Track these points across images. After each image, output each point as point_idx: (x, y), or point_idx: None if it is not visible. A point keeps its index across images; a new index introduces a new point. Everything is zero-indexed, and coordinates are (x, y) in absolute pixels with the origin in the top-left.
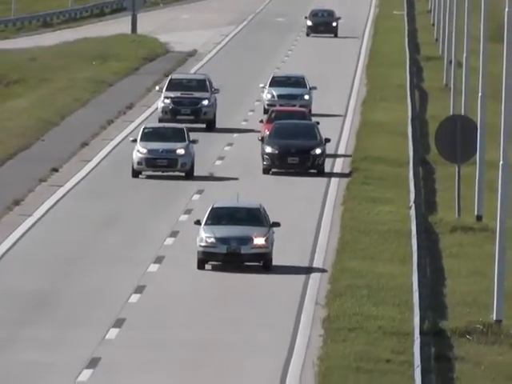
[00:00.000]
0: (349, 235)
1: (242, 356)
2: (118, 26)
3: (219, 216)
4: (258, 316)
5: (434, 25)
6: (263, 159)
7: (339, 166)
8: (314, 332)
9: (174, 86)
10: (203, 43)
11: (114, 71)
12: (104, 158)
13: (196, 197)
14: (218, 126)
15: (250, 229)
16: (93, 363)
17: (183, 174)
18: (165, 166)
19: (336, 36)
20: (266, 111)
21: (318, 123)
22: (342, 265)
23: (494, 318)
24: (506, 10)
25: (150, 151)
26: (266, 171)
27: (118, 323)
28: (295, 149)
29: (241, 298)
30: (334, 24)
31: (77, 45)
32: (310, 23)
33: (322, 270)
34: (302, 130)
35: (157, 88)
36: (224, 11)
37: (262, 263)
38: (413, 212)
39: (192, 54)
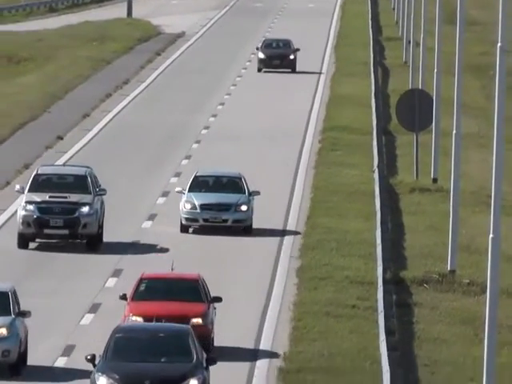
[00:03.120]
0: (320, 195)
1: (226, 301)
2: (115, 10)
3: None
4: (241, 266)
5: (394, 9)
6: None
7: (311, 133)
8: (289, 281)
9: (40, 184)
10: (191, 25)
11: (111, 51)
12: (103, 127)
13: (184, 162)
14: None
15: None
16: (94, 307)
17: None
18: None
19: (294, 71)
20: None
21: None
22: (314, 221)
23: (449, 269)
24: None
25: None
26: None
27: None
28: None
29: (226, 253)
30: (292, 57)
31: (79, 27)
32: (262, 56)
33: (296, 227)
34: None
35: (17, 187)
36: None
37: None
38: (376, 175)
39: (181, 35)
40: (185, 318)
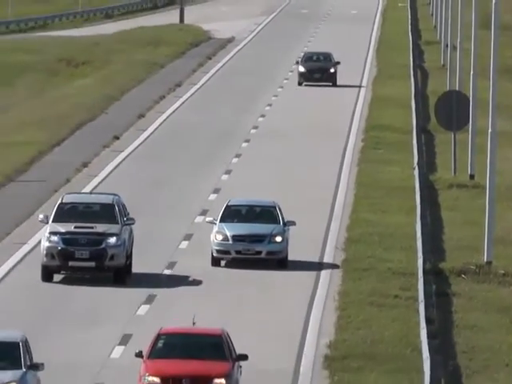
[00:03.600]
0: (362, 191)
1: (276, 290)
2: (168, 17)
3: None
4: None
5: (432, 15)
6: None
7: (354, 132)
8: (335, 272)
9: (65, 213)
10: (240, 31)
11: (165, 54)
12: (157, 127)
13: (235, 160)
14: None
15: None
16: (150, 299)
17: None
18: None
19: (335, 85)
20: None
21: (338, 63)
22: (357, 216)
23: (485, 260)
24: (494, 1)
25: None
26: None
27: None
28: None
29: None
30: (332, 70)
31: (134, 33)
32: (302, 69)
33: (340, 221)
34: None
35: (40, 217)
36: (257, 4)
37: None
38: (416, 172)
39: (230, 40)
40: (207, 379)
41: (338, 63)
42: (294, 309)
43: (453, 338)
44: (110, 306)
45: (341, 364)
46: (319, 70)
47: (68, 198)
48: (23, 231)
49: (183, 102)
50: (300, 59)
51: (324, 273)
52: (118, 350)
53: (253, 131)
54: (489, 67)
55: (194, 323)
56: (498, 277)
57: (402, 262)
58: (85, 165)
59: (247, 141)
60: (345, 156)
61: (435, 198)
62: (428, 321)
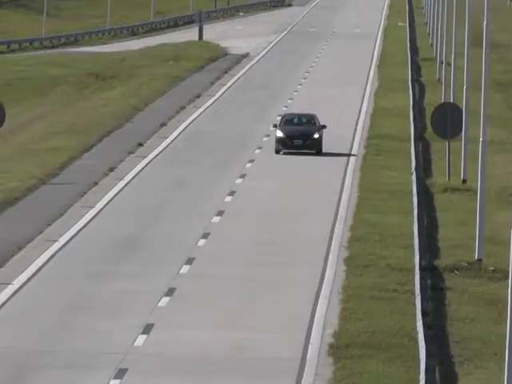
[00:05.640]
0: (365, 194)
1: (285, 285)
2: (188, 34)
3: None
4: (296, 256)
5: (429, 34)
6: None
7: (357, 140)
8: (339, 268)
9: None
10: (253, 47)
11: (185, 69)
12: (178, 135)
13: (248, 165)
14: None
15: None
16: (170, 292)
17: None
18: None
19: (320, 153)
20: None
21: (324, 126)
22: (360, 216)
23: (476, 258)
24: (485, 23)
25: None
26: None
27: (189, 261)
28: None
29: (281, 244)
30: (316, 136)
31: (157, 49)
32: (280, 134)
33: (344, 221)
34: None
35: None
36: (269, 23)
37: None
38: (414, 177)
39: (245, 56)
40: None
41: (324, 127)
42: (302, 302)
43: (446, 328)
44: (134, 298)
45: (344, 352)
46: (301, 136)
47: None
48: (54, 230)
49: (202, 112)
50: (278, 122)
51: (329, 269)
52: (141, 339)
53: (265, 139)
54: (480, 81)
55: None
56: (488, 273)
57: (400, 259)
58: (111, 169)
59: (260, 148)
60: (349, 162)
61: (431, 201)
62: (423, 313)
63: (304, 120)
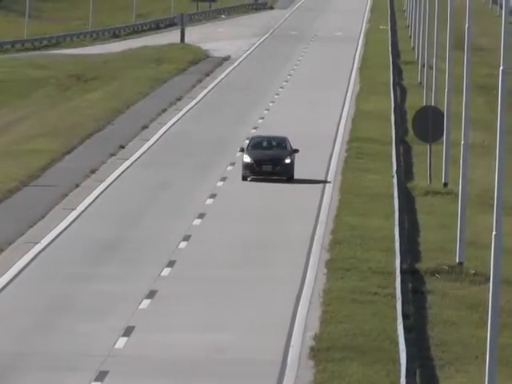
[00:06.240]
0: (346, 197)
1: (266, 287)
2: (170, 37)
3: None
4: (277, 258)
5: (411, 37)
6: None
7: (339, 143)
8: (320, 271)
9: None
10: (235, 50)
11: (167, 71)
12: (159, 137)
13: (229, 168)
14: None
15: None
16: (151, 294)
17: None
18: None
19: (291, 180)
20: None
21: (296, 150)
22: (341, 220)
23: (457, 261)
24: (466, 26)
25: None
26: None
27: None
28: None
29: (262, 246)
30: (288, 161)
31: (139, 51)
32: (248, 160)
33: (326, 224)
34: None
35: None
36: (251, 26)
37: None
38: (395, 180)
39: (227, 58)
40: None
41: (296, 151)
42: (282, 304)
43: (427, 332)
44: (115, 300)
45: (325, 355)
46: (270, 161)
47: None
48: (36, 232)
49: (183, 115)
50: (245, 145)
51: (310, 271)
52: (122, 341)
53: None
54: (462, 84)
55: None
56: (469, 276)
57: (381, 262)
58: (93, 171)
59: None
60: (330, 164)
61: (412, 204)
62: (404, 316)
63: (274, 143)
